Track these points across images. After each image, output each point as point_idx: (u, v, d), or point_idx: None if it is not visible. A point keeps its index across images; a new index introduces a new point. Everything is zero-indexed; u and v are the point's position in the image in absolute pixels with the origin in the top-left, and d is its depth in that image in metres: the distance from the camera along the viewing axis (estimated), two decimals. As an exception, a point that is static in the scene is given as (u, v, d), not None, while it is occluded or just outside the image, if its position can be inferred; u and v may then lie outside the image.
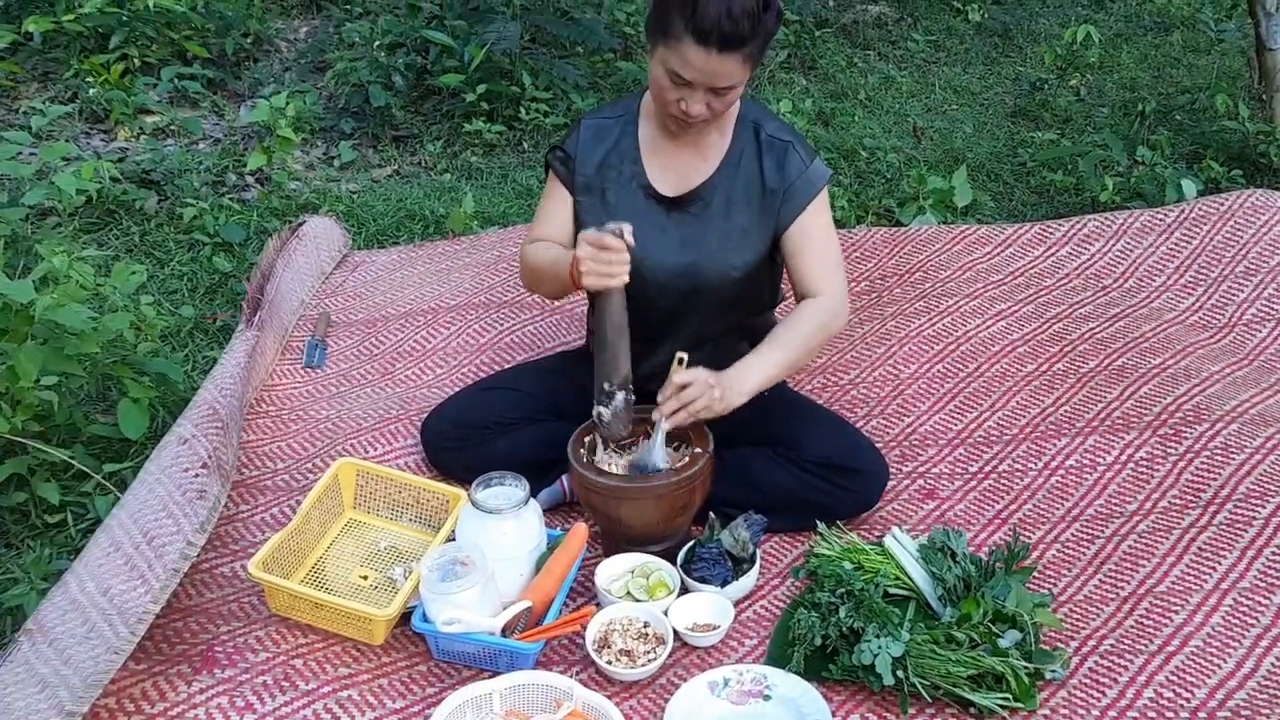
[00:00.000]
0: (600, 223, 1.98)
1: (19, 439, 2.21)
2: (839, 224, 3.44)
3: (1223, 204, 3.06)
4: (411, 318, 2.85)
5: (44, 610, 1.76)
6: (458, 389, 2.39)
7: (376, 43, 4.33)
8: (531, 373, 2.33)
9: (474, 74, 4.06)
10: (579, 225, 2.09)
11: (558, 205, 2.13)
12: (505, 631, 1.80)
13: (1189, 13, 5.68)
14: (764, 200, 2.05)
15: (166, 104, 4.14)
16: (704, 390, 1.90)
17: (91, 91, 4.03)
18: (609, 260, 1.85)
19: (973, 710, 1.73)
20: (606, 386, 1.96)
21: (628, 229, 1.88)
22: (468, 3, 4.31)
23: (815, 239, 2.07)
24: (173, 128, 4.01)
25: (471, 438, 2.17)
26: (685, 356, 1.96)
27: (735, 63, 1.84)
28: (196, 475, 1.93)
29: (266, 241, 3.04)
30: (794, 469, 2.07)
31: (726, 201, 2.05)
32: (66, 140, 3.77)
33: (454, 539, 1.94)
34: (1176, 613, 1.89)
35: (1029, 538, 2.09)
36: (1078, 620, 1.91)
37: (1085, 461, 2.27)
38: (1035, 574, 2.00)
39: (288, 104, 3.58)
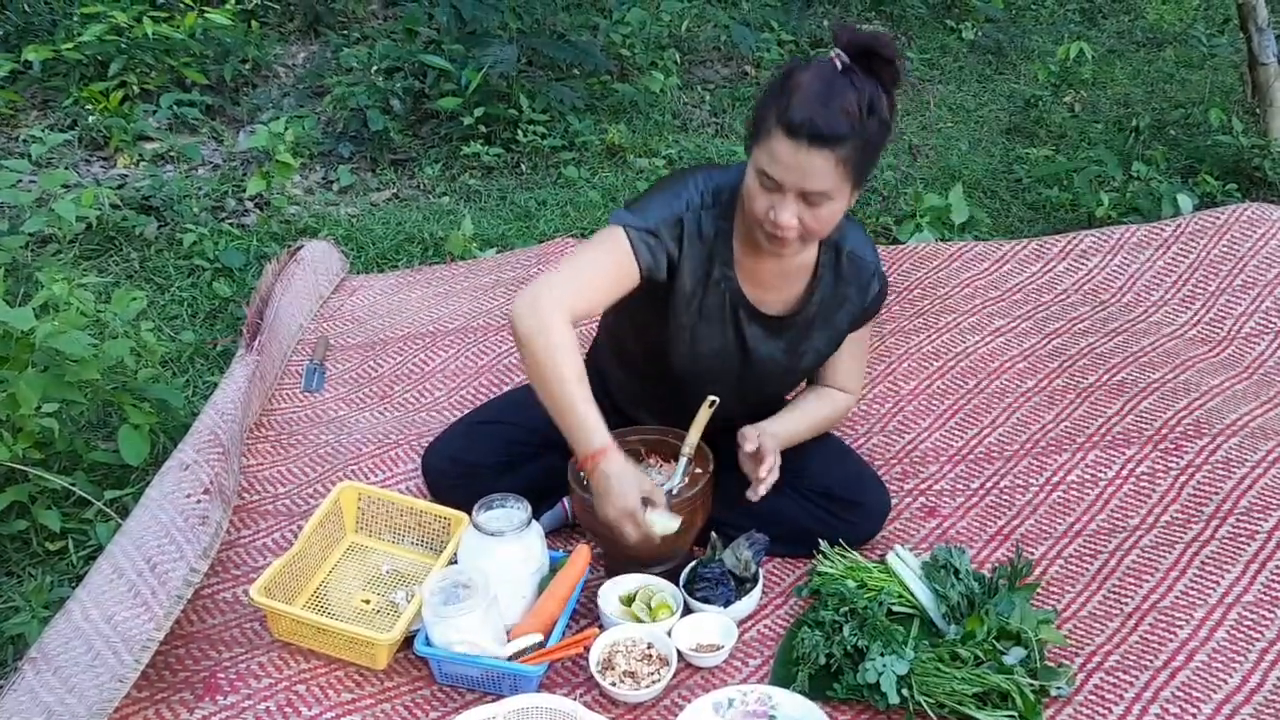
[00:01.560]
0: (690, 334, 1.95)
1: (20, 466, 2.21)
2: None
3: (1219, 218, 3.07)
4: (410, 341, 2.85)
5: (47, 638, 1.76)
6: (457, 412, 2.39)
7: (374, 67, 4.35)
8: (526, 402, 2.29)
9: (471, 97, 4.08)
10: (666, 328, 1.96)
11: (613, 277, 1.85)
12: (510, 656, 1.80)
13: (1181, 28, 5.72)
14: (838, 319, 2.03)
15: (165, 130, 4.16)
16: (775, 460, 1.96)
17: (91, 119, 4.05)
18: (626, 532, 1.82)
19: (978, 728, 1.73)
20: None
21: (666, 524, 1.84)
22: (464, 27, 4.34)
23: (860, 343, 2.11)
24: (172, 154, 4.02)
25: (473, 475, 2.13)
26: (716, 399, 1.98)
27: (826, 163, 1.69)
28: (199, 501, 1.92)
29: (266, 266, 3.05)
30: (796, 497, 2.07)
31: (811, 325, 2.02)
32: (66, 168, 3.78)
33: (456, 562, 1.94)
34: (1181, 628, 1.89)
35: (1031, 554, 2.09)
36: (1082, 636, 1.90)
37: (1086, 476, 2.27)
38: (1039, 590, 1.99)
39: (286, 129, 3.60)
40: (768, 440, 1.98)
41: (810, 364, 2.08)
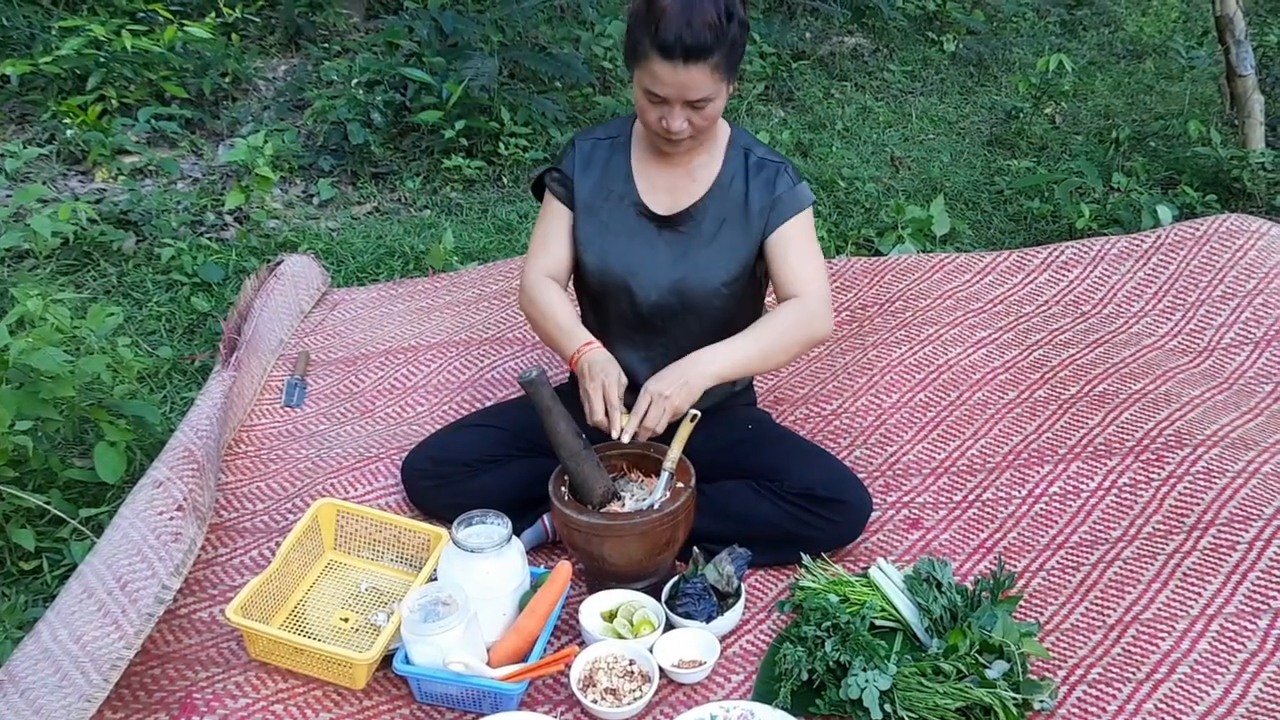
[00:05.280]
0: (599, 243, 2.12)
1: (-7, 485, 2.19)
2: (819, 254, 3.45)
3: (1198, 229, 3.08)
4: (392, 355, 2.83)
5: (15, 659, 1.73)
6: (438, 427, 2.37)
7: (355, 80, 4.34)
8: (512, 409, 2.31)
9: (453, 110, 4.07)
10: (576, 244, 2.15)
11: (558, 228, 2.16)
12: None
13: (1161, 40, 5.77)
14: (751, 219, 2.09)
15: (144, 144, 4.14)
16: (658, 403, 1.96)
17: (69, 133, 4.02)
18: (599, 409, 1.98)
19: (962, 743, 1.72)
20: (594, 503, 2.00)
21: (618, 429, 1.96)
22: (445, 39, 4.34)
23: (796, 244, 2.10)
24: (151, 168, 4.00)
25: (451, 475, 2.15)
26: (699, 414, 2.02)
27: (703, 74, 1.88)
28: (171, 518, 1.90)
29: (245, 281, 3.03)
30: (777, 501, 2.06)
31: (716, 221, 2.10)
32: (44, 182, 3.76)
33: (436, 579, 1.92)
34: (1163, 639, 1.89)
35: (1014, 566, 2.09)
36: (1065, 649, 1.90)
37: (1068, 488, 2.27)
38: (1021, 603, 1.99)
39: (266, 142, 3.58)
40: (652, 390, 1.98)
41: (731, 267, 2.10)
